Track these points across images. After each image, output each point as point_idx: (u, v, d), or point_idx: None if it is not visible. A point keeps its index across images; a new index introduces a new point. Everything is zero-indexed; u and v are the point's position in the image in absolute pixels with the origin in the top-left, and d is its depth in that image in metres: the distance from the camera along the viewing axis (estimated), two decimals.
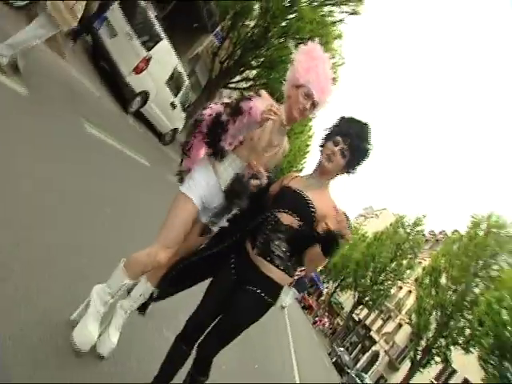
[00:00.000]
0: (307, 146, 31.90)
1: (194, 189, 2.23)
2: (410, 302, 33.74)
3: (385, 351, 31.41)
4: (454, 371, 22.47)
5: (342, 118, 2.28)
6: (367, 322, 39.26)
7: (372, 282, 32.77)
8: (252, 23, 16.41)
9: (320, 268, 37.53)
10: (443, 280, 21.95)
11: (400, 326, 33.38)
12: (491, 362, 14.23)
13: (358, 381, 22.45)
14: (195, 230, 2.32)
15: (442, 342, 20.45)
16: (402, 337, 31.31)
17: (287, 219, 2.17)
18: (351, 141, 2.18)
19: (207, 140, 2.27)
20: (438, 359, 20.60)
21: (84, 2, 4.16)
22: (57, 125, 4.50)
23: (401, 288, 36.89)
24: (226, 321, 2.19)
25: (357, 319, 39.90)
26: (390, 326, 35.34)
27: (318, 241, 2.06)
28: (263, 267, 2.15)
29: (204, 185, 2.24)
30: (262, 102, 2.19)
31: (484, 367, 14.62)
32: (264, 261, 2.15)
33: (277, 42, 15.68)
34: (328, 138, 2.25)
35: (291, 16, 14.90)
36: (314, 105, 2.27)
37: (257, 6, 15.45)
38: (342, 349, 30.48)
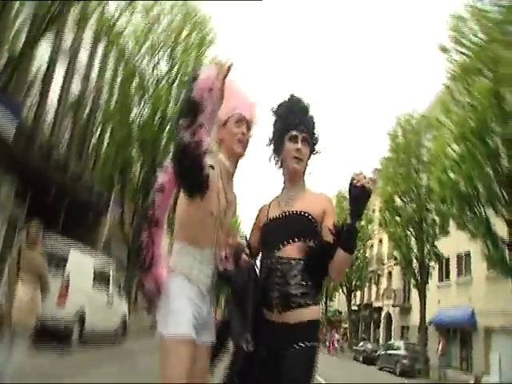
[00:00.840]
0: None
1: (179, 317, 1.69)
2: (385, 246, 34.01)
3: (392, 305, 30.80)
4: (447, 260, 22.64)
5: (278, 108, 2.13)
6: (366, 301, 38.63)
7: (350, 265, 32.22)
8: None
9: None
10: (399, 202, 22.59)
11: (390, 273, 33.24)
12: (466, 219, 14.10)
13: (391, 352, 21.64)
14: (201, 364, 1.81)
15: (428, 247, 20.88)
16: (397, 280, 31.09)
17: (292, 250, 1.91)
18: (305, 125, 2.05)
19: (184, 174, 1.69)
20: (432, 264, 20.98)
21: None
22: None
23: (372, 246, 37.10)
24: None
25: (357, 308, 39.22)
26: (383, 283, 35.04)
27: (336, 243, 1.80)
28: (294, 317, 1.85)
29: (188, 302, 1.75)
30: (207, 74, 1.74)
31: (466, 227, 14.46)
32: (291, 311, 1.86)
33: None
34: (280, 138, 2.07)
35: None
36: (248, 127, 2.02)
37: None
38: (360, 343, 29.65)
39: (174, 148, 1.71)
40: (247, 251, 1.91)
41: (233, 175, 2.02)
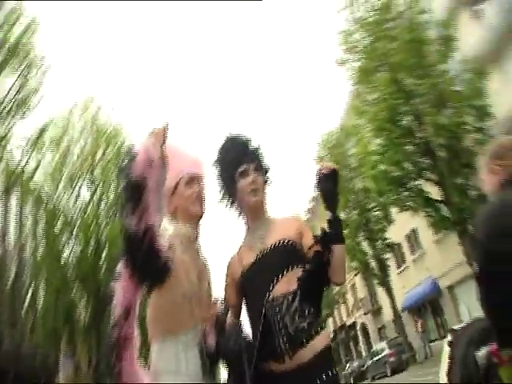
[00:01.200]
0: None
1: None
2: None
3: (364, 313, 31.75)
4: (399, 245, 24.09)
5: (219, 154, 2.04)
6: (339, 324, 39.13)
7: None
8: None
9: None
10: (342, 216, 23.33)
11: (353, 285, 34.38)
12: (405, 199, 15.55)
13: (377, 357, 21.79)
14: None
15: (380, 242, 21.91)
16: (361, 289, 32.26)
17: (283, 286, 1.79)
18: (251, 157, 1.98)
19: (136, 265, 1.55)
20: (388, 255, 22.07)
21: None
22: None
23: None
24: None
25: (332, 335, 39.14)
26: (349, 298, 36.01)
27: (324, 248, 1.80)
28: (308, 353, 1.73)
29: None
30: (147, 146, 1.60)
31: (407, 207, 15.80)
32: (303, 349, 1.73)
33: None
34: (230, 180, 1.97)
35: None
36: (200, 184, 1.93)
37: None
38: (346, 366, 29.71)
39: (122, 241, 1.53)
40: (227, 315, 1.78)
41: (197, 238, 1.89)
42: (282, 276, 1.80)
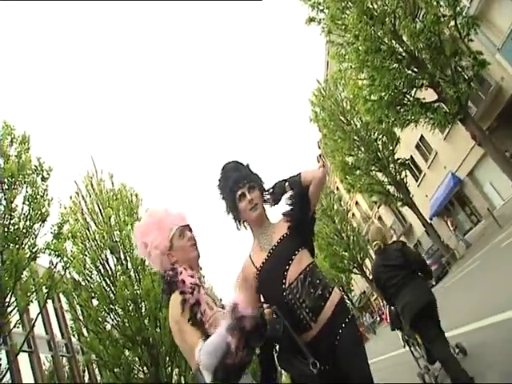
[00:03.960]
0: None
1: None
2: (364, 207, 37.16)
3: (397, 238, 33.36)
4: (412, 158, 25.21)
5: (218, 186, 2.41)
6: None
7: (348, 246, 31.81)
8: None
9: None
10: (351, 160, 23.62)
11: (380, 218, 35.76)
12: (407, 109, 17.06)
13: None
14: None
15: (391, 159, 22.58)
16: (388, 220, 33.75)
17: (295, 268, 2.19)
18: (246, 180, 2.33)
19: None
20: (403, 173, 22.75)
21: None
22: None
23: (353, 214, 39.71)
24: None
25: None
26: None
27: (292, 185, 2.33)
28: (327, 313, 2.14)
29: None
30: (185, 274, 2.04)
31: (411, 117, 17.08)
32: (323, 311, 2.13)
33: None
34: (233, 205, 2.33)
35: None
36: (191, 231, 2.23)
37: None
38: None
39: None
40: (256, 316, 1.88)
41: (200, 277, 2.12)
42: (292, 261, 2.19)
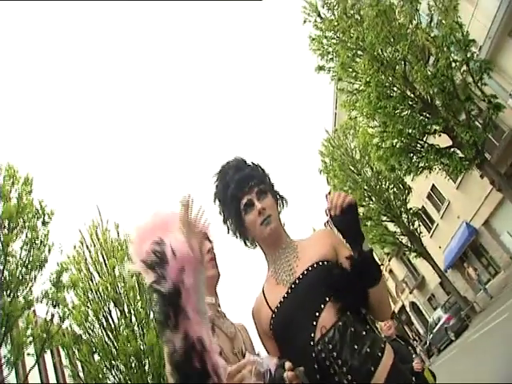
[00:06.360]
0: None
1: None
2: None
3: (410, 292, 32.44)
4: (423, 208, 24.92)
5: (219, 183, 1.75)
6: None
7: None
8: None
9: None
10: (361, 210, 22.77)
11: (391, 271, 34.85)
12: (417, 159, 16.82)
13: (436, 328, 21.08)
14: None
15: (404, 215, 22.23)
16: (399, 271, 32.75)
17: (329, 317, 1.50)
18: (253, 181, 1.70)
19: None
20: (416, 223, 22.31)
21: None
22: None
23: None
24: None
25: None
26: (391, 284, 36.64)
27: (358, 274, 1.52)
28: (378, 378, 1.43)
29: None
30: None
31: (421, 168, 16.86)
32: (372, 377, 1.43)
33: None
34: (236, 213, 1.69)
35: None
36: (211, 243, 1.71)
37: None
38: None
39: (169, 362, 1.24)
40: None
41: (219, 306, 1.70)
42: (324, 306, 1.51)
